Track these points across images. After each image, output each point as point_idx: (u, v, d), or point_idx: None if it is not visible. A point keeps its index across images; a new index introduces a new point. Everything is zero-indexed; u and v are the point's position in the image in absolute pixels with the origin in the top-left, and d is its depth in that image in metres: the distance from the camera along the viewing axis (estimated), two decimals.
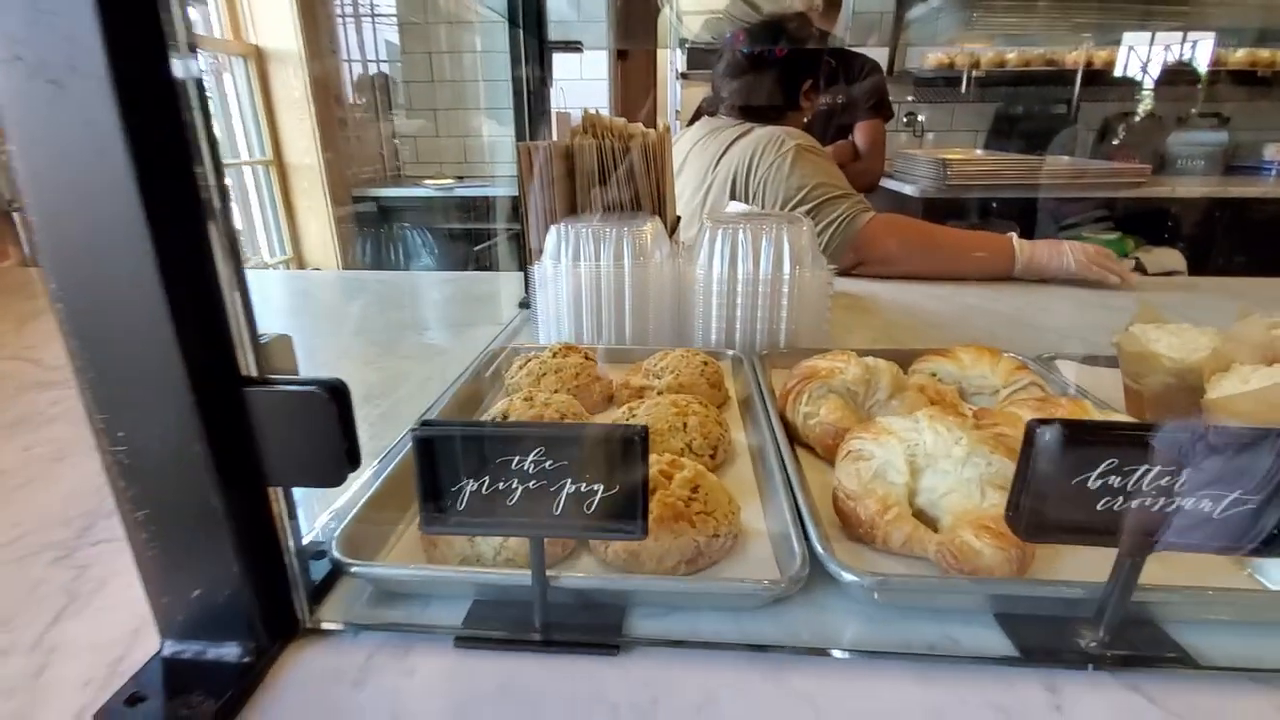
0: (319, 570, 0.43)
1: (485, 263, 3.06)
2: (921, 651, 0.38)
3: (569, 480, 0.35)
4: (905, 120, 3.32)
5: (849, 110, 2.18)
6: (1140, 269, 1.52)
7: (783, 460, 0.52)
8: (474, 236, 3.20)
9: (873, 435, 0.49)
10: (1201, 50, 2.93)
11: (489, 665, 0.38)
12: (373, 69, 3.43)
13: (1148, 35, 2.84)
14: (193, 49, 0.29)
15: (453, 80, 3.46)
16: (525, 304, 1.04)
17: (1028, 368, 0.66)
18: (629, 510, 0.35)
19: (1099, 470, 0.33)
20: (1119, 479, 0.33)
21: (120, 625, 0.41)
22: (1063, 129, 3.22)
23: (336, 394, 0.33)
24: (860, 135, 2.19)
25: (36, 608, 0.42)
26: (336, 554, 0.41)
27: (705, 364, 0.69)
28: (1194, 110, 3.04)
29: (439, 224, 3.25)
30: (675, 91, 3.04)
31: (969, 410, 0.60)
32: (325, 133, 2.99)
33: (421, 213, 3.26)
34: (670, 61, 2.98)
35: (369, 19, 3.38)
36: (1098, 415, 0.52)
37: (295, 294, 1.39)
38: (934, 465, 0.46)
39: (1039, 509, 0.34)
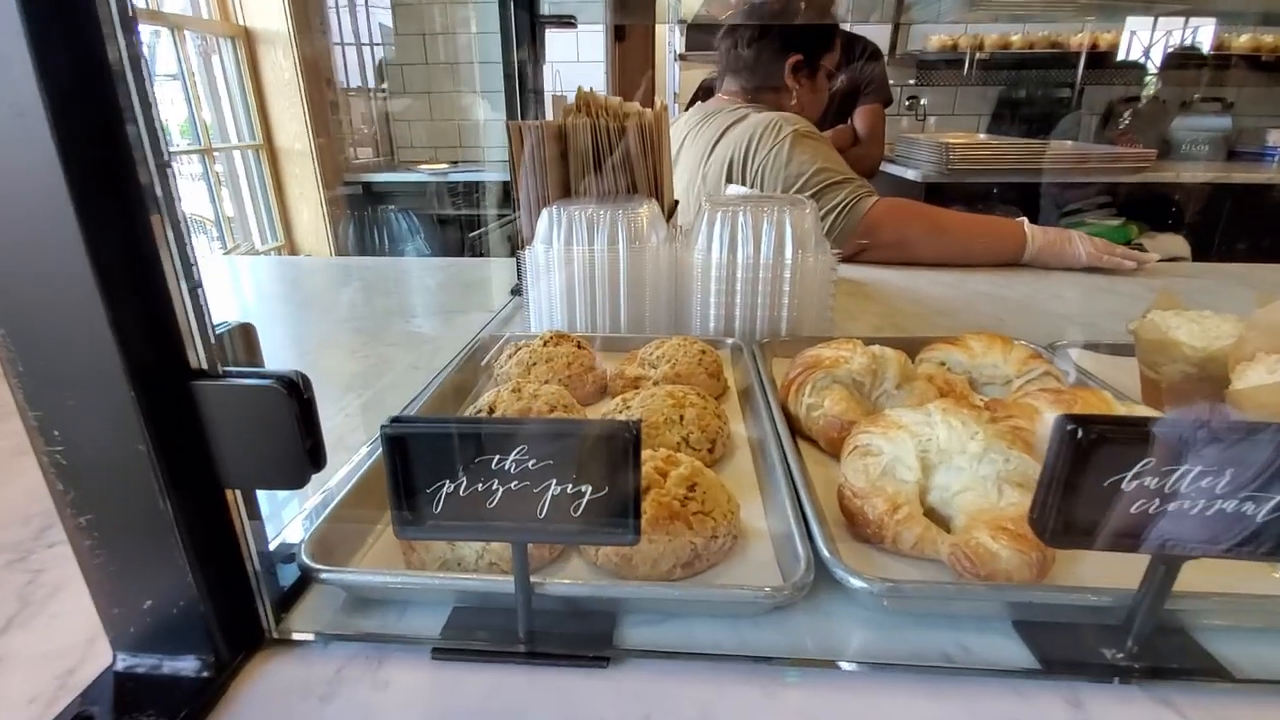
0: (289, 575, 0.40)
1: (480, 249, 3.02)
2: (934, 663, 0.35)
3: (554, 481, 0.32)
4: (907, 104, 3.27)
5: (848, 94, 2.14)
6: None
7: (785, 455, 0.49)
8: (469, 222, 3.15)
9: (881, 429, 0.46)
10: (1205, 34, 2.88)
11: (469, 678, 0.35)
12: (365, 51, 3.36)
13: (1150, 20, 2.79)
14: (128, 27, 0.26)
15: (447, 62, 3.40)
16: (517, 290, 1.00)
17: (1041, 357, 0.63)
18: (620, 513, 0.32)
19: (1134, 470, 0.30)
20: (1156, 480, 0.30)
21: (74, 634, 0.38)
22: (1066, 113, 3.17)
23: (294, 388, 0.29)
24: (860, 120, 2.14)
25: None
26: (305, 559, 0.38)
27: (703, 353, 0.66)
28: (1197, 95, 3.00)
29: (433, 210, 3.20)
30: (674, 74, 2.98)
31: (981, 402, 0.58)
32: (316, 116, 2.93)
33: (415, 198, 3.20)
34: (669, 43, 2.92)
35: None
36: (1119, 407, 0.49)
37: (284, 281, 1.35)
38: (947, 462, 0.43)
39: (1066, 512, 0.31)
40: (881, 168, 2.42)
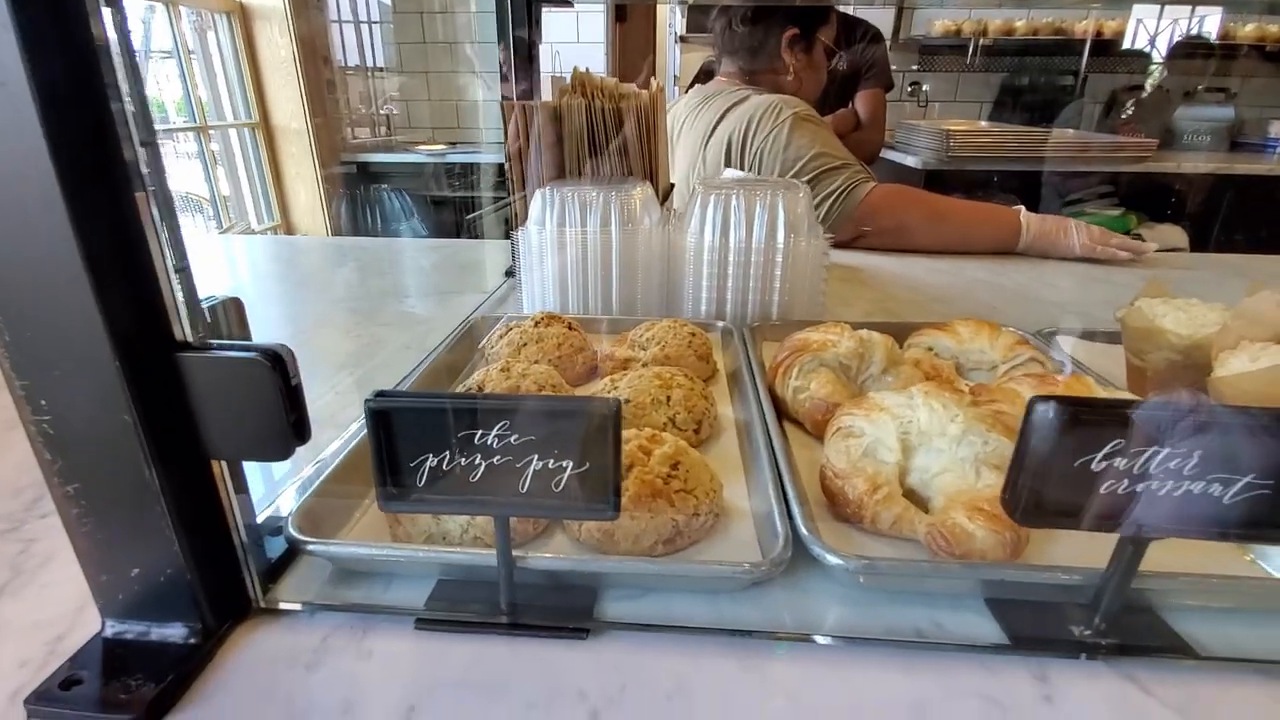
0: (277, 547, 0.40)
1: (477, 230, 3.01)
2: (908, 638, 0.36)
3: (535, 456, 0.33)
4: (909, 90, 3.24)
5: (849, 78, 2.12)
6: None
7: (769, 436, 0.49)
8: (465, 203, 3.14)
9: (864, 411, 0.46)
10: (1211, 23, 2.85)
11: (452, 648, 0.36)
12: (364, 30, 3.32)
13: (1157, 8, 2.76)
14: (114, 2, 0.26)
15: (445, 41, 3.36)
16: (511, 272, 1.00)
17: (1028, 343, 0.63)
18: (600, 489, 0.33)
19: (1104, 451, 0.30)
20: (1125, 461, 0.30)
21: (64, 602, 0.38)
22: (1069, 101, 3.15)
23: (278, 361, 0.30)
24: (861, 105, 2.13)
25: None
26: (292, 531, 0.38)
27: (693, 335, 0.66)
28: (1201, 85, 2.98)
29: (430, 190, 3.19)
30: (674, 56, 2.95)
31: (965, 386, 0.58)
32: (313, 94, 2.90)
33: (412, 179, 3.18)
34: (669, 24, 2.89)
35: None
36: (1101, 393, 0.50)
37: (279, 260, 1.35)
38: (927, 444, 0.44)
39: (1037, 491, 0.32)
40: (882, 154, 2.41)
